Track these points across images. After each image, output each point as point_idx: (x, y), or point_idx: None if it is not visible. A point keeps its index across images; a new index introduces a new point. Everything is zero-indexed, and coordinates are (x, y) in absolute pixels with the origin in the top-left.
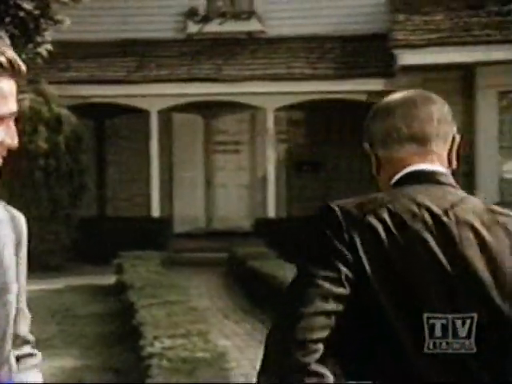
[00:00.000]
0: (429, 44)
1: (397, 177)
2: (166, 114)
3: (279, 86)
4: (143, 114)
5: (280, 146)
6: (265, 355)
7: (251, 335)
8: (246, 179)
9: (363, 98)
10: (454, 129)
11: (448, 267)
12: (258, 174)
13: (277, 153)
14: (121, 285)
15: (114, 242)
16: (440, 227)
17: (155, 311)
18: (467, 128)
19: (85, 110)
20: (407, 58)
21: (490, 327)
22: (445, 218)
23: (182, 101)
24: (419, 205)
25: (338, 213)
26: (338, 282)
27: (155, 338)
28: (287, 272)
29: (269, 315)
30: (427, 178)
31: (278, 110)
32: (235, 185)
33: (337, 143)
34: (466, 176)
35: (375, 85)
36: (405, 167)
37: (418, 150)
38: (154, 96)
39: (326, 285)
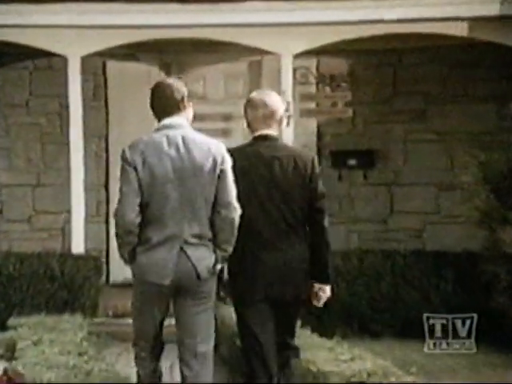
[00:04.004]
0: None
1: (254, 134)
2: (94, 63)
3: (303, 13)
4: (54, 62)
5: (306, 123)
6: None
7: None
8: None
9: (464, 31)
10: (281, 111)
11: (268, 178)
12: None
13: (300, 136)
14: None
15: None
16: (265, 160)
17: None
18: None
19: None
20: None
21: (284, 205)
22: (268, 154)
23: (124, 40)
24: (259, 150)
25: (233, 153)
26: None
27: None
28: None
29: None
30: (265, 138)
31: (301, 56)
32: None
33: (410, 118)
34: None
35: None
36: (257, 131)
37: (263, 125)
38: (72, 28)
39: None
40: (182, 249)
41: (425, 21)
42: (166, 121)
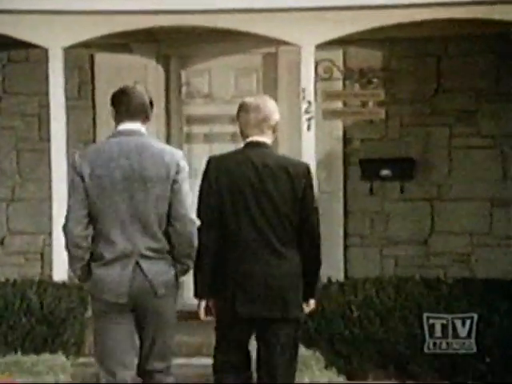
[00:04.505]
0: None
1: (246, 141)
2: (79, 56)
3: None
4: (32, 54)
5: (330, 126)
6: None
7: None
8: None
9: None
10: (276, 117)
11: (258, 188)
12: None
13: (323, 141)
14: None
15: None
16: (256, 167)
17: None
18: None
19: None
20: None
21: (274, 218)
22: (259, 164)
23: (115, 28)
24: (249, 157)
25: (212, 161)
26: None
27: None
28: None
29: None
30: (257, 144)
31: (325, 47)
32: None
33: (456, 120)
34: None
35: None
36: (249, 137)
37: (256, 130)
38: (53, 14)
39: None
40: (137, 263)
41: (475, 4)
42: (124, 126)
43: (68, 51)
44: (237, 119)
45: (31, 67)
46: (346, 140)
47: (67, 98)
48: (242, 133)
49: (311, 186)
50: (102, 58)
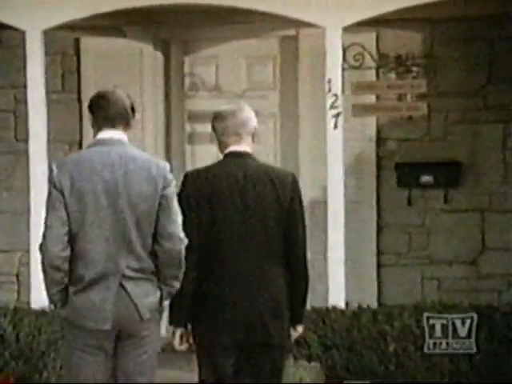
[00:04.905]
0: None
1: (225, 152)
2: (63, 40)
3: None
4: (7, 37)
5: (361, 124)
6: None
7: None
8: None
9: None
10: (255, 123)
11: (240, 203)
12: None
13: (352, 142)
14: None
15: None
16: (237, 181)
17: None
18: None
19: None
20: None
21: (258, 233)
22: (239, 175)
23: (104, 8)
24: (229, 168)
25: (189, 177)
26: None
27: None
28: None
29: None
30: (237, 154)
31: (355, 30)
32: None
33: (511, 116)
34: None
35: None
36: (228, 147)
37: (235, 138)
38: None
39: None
40: (121, 285)
41: None
42: (104, 134)
43: (49, 34)
44: (212, 131)
45: (5, 54)
46: (380, 140)
47: (48, 91)
48: (219, 144)
49: (298, 197)
50: (89, 43)
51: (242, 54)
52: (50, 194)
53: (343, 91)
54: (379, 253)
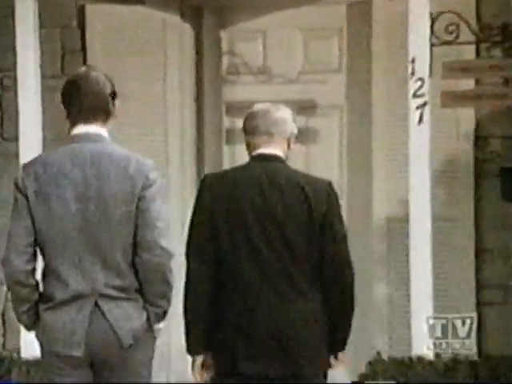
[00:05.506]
0: None
1: (252, 154)
2: (63, 8)
3: None
4: None
5: (454, 116)
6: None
7: None
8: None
9: None
10: (292, 127)
11: (264, 212)
12: (378, 205)
13: (442, 139)
14: None
15: None
16: (261, 187)
17: None
18: None
19: None
20: None
21: (284, 251)
22: (265, 182)
23: None
24: (254, 174)
25: (206, 181)
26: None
27: None
28: None
29: None
30: (265, 157)
31: None
32: None
33: None
34: None
35: None
36: (256, 149)
37: (266, 139)
38: None
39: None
40: (96, 305)
41: None
42: (77, 130)
43: (46, 1)
44: (243, 132)
45: None
46: (480, 139)
47: (44, 75)
48: (248, 146)
49: (336, 210)
50: (97, 13)
51: (296, 27)
52: (15, 199)
53: (431, 74)
54: (479, 286)
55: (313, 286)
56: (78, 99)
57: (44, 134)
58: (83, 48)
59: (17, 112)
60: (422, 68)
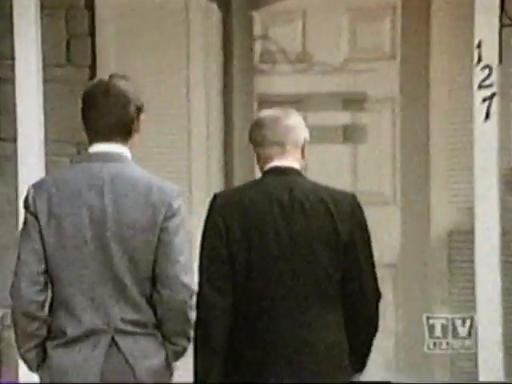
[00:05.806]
0: None
1: (265, 168)
2: None
3: None
4: None
5: None
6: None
7: None
8: (394, 222)
9: None
10: (304, 133)
11: (284, 231)
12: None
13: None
14: None
15: None
16: (280, 203)
17: None
18: None
19: None
20: None
21: (306, 272)
22: (284, 198)
23: None
24: (270, 189)
25: (218, 200)
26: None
27: None
28: None
29: None
30: (281, 171)
31: None
32: None
33: None
34: None
35: None
36: (269, 162)
37: (278, 150)
38: None
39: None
40: (113, 341)
41: None
42: (96, 148)
43: None
44: (249, 142)
45: None
46: None
47: (47, 65)
48: (258, 159)
49: (362, 226)
50: None
51: (341, 7)
52: (25, 220)
53: (500, 61)
54: None
55: (335, 307)
56: (96, 119)
57: (45, 135)
58: (91, 34)
59: (14, 108)
60: (490, 54)
